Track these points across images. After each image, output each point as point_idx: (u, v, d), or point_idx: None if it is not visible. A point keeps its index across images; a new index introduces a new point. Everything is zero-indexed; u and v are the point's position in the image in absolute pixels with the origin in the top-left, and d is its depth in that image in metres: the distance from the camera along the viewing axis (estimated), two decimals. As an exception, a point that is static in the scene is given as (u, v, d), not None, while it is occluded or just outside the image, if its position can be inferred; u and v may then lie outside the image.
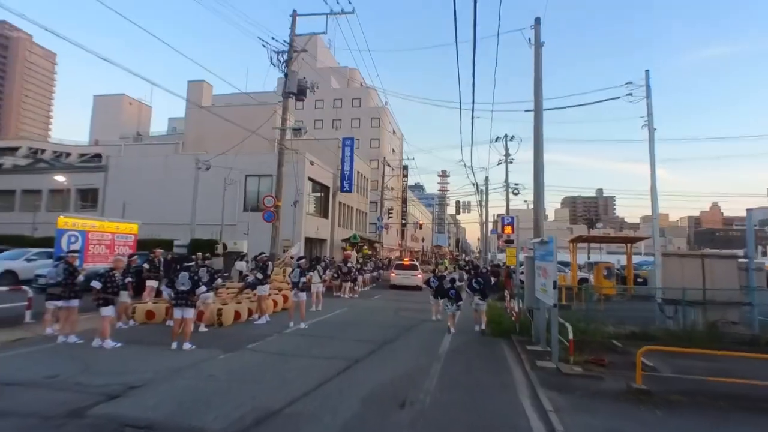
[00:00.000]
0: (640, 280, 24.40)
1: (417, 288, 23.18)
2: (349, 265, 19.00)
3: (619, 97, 11.70)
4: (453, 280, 11.66)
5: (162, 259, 12.66)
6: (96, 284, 7.91)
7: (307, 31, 19.82)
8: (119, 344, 7.91)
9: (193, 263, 8.36)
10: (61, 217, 10.96)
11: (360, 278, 21.20)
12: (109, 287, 8.02)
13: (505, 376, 7.02)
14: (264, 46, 18.30)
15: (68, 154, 66.49)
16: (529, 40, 10.46)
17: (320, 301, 13.87)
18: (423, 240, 78.97)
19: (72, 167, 34.23)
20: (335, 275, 19.01)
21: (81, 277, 8.33)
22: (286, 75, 18.57)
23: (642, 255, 44.00)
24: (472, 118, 12.31)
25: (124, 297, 10.21)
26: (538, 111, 10.02)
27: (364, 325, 11.47)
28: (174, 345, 7.80)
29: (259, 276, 11.39)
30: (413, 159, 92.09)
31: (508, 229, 20.34)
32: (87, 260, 11.51)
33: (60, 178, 26.14)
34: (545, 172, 10.61)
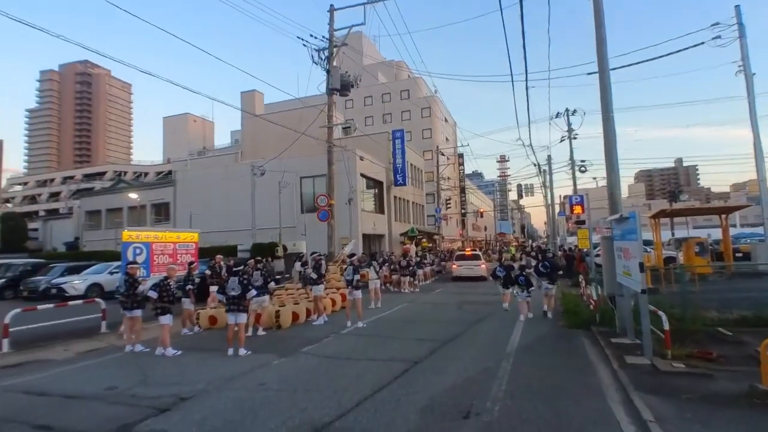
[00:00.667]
0: (739, 255, 21.41)
1: (481, 279, 22.13)
2: (407, 258, 18.45)
3: (703, 43, 9.95)
4: (522, 267, 11.56)
5: (223, 265, 12.92)
6: (152, 294, 8.02)
7: (347, 24, 19.39)
8: (179, 352, 7.97)
9: (243, 267, 8.22)
10: (126, 230, 11.46)
11: (420, 272, 20.56)
12: (165, 296, 8.10)
13: (589, 377, 6.04)
14: (304, 45, 18.23)
15: (146, 174, 72.50)
16: (587, -10, 9.15)
17: (379, 298, 13.45)
18: (485, 229, 76.46)
19: (145, 185, 36.92)
20: (393, 270, 18.54)
21: (141, 288, 8.49)
22: (328, 72, 18.33)
23: (737, 227, 39.02)
24: (527, 87, 11.26)
25: (187, 304, 10.45)
26: (603, 71, 8.73)
27: (425, 322, 10.84)
28: (230, 351, 7.70)
29: (313, 275, 11.15)
30: (467, 145, 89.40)
31: (577, 209, 18.57)
32: (153, 270, 11.96)
33: (133, 195, 28.27)
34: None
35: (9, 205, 75.47)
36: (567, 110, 28.22)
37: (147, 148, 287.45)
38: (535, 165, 31.81)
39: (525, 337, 8.85)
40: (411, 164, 36.61)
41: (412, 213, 37.27)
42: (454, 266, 23.27)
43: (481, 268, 22.50)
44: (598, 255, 21.56)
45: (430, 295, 16.88)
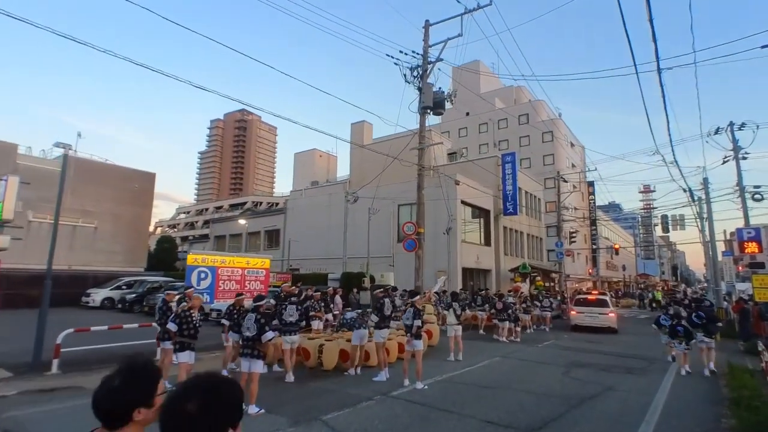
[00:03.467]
0: None
1: (609, 330, 17.73)
2: (508, 299, 15.44)
3: None
4: (678, 316, 11.01)
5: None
6: (171, 326, 7.10)
7: (443, 38, 17.88)
8: (194, 398, 6.80)
9: (263, 302, 6.85)
10: (191, 253, 11.22)
11: (526, 317, 17.21)
12: (186, 330, 7.09)
13: None
14: (395, 63, 17.17)
15: (276, 204, 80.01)
16: None
17: (460, 349, 10.94)
18: (624, 268, 65.80)
19: (262, 213, 39.68)
20: (492, 312, 15.66)
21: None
22: (420, 89, 16.96)
23: None
24: (659, 69, 7.70)
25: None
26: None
27: (509, 391, 8.05)
28: (239, 407, 6.24)
29: (374, 317, 9.26)
30: (595, 169, 78.82)
31: (751, 247, 13.61)
32: (217, 297, 11.49)
33: (242, 222, 30.24)
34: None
35: (175, 229, 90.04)
36: (731, 123, 22.22)
37: (287, 181, 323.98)
38: (685, 191, 25.48)
39: (660, 441, 5.68)
40: (525, 192, 32.89)
41: (526, 246, 33.17)
42: (572, 312, 19.15)
43: (609, 316, 18.03)
44: (789, 312, 15.59)
45: (533, 348, 13.55)
